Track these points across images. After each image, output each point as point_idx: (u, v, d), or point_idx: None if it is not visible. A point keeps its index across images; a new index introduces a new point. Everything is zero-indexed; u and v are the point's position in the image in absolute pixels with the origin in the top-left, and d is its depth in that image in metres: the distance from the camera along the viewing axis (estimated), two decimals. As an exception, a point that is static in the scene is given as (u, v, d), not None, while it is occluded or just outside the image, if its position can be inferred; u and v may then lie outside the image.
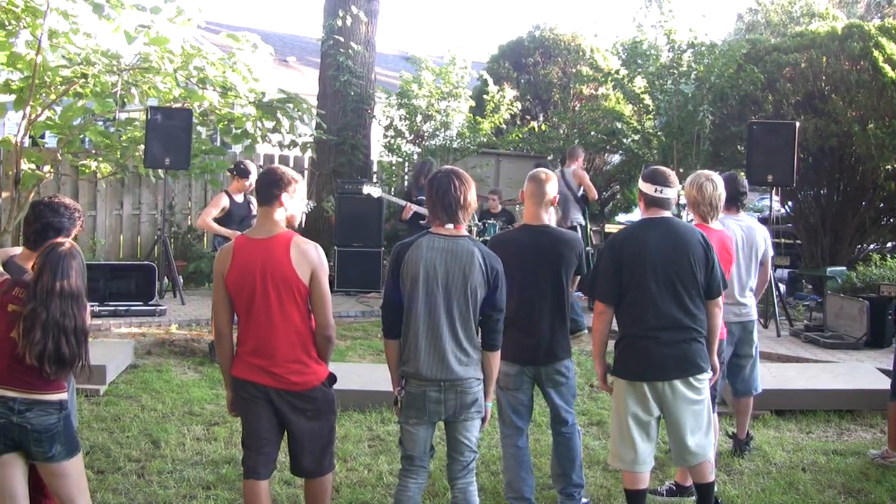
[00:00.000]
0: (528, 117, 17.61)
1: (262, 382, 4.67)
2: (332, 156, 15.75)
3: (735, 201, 6.66)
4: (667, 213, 5.23)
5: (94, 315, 10.43)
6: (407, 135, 16.29)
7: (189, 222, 15.26)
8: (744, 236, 6.56)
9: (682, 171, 13.41)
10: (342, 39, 15.86)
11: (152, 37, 12.35)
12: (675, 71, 13.79)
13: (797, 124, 11.37)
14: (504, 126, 16.27)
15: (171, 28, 12.37)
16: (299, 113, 12.46)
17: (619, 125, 15.28)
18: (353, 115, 16.04)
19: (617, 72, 14.89)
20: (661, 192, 5.21)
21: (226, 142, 14.49)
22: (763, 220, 12.05)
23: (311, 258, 4.65)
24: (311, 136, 13.89)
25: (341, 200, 14.04)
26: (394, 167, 16.73)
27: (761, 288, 6.89)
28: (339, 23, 15.81)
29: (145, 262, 11.54)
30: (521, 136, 16.00)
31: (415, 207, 11.95)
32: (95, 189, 14.53)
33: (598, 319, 5.23)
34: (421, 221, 11.88)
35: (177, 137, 11.71)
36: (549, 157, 14.90)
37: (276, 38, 23.74)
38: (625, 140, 15.10)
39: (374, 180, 16.20)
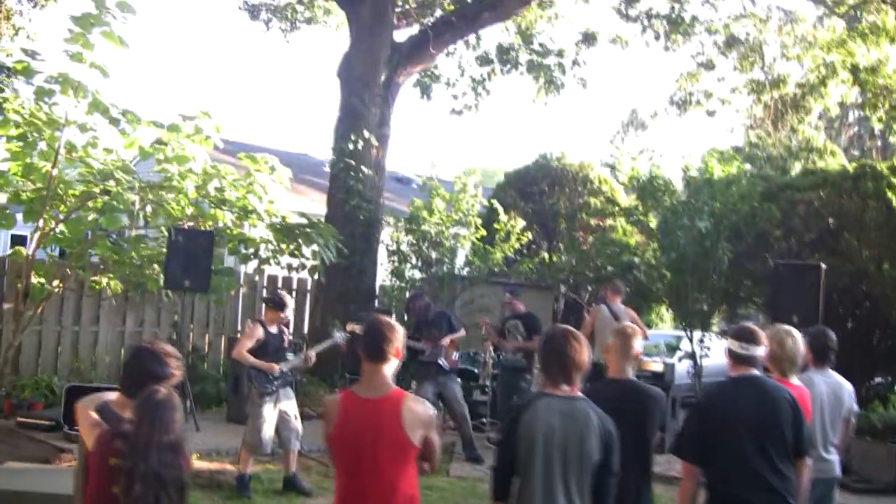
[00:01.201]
0: (534, 246, 17.61)
1: None
2: (340, 280, 15.60)
3: (823, 356, 6.72)
4: (755, 371, 5.24)
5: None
6: (414, 261, 16.20)
7: (191, 341, 14.95)
8: (830, 392, 6.52)
9: (697, 307, 13.39)
10: (353, 163, 15.88)
11: (171, 155, 12.32)
12: (691, 206, 13.82)
13: (823, 266, 11.38)
14: (512, 255, 16.23)
15: (189, 146, 12.36)
16: (322, 239, 12.36)
17: (635, 259, 15.28)
18: (360, 240, 15.97)
19: (636, 207, 14.92)
20: (748, 349, 5.22)
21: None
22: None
23: (423, 420, 4.47)
24: (316, 260, 13.73)
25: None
26: (395, 292, 16.63)
27: (843, 443, 6.80)
28: (351, 146, 15.85)
29: (161, 387, 11.19)
30: (531, 266, 15.97)
31: (409, 343, 11.67)
32: (98, 305, 14.25)
33: (686, 480, 5.16)
34: (420, 357, 11.63)
35: (198, 259, 11.55)
36: (563, 290, 14.80)
37: (278, 154, 23.63)
38: (638, 274, 15.07)
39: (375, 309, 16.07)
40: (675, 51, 19.91)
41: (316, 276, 14.38)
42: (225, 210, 12.48)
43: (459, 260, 15.86)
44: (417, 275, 16.49)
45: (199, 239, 11.68)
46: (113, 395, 4.46)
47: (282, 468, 9.64)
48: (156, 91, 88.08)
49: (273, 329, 9.44)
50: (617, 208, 15.88)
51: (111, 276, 13.15)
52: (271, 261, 13.65)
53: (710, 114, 23.16)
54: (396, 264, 16.26)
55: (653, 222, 14.44)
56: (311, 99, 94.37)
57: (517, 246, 15.75)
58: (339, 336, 10.17)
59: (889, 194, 13.42)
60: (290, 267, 14.39)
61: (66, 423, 10.28)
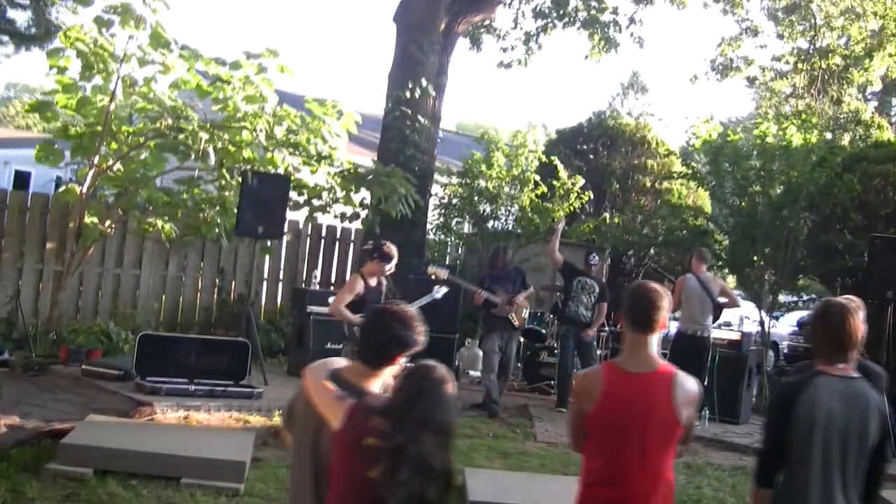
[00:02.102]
0: (590, 206, 17.10)
1: None
2: (391, 231, 15.03)
3: None
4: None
5: (189, 394, 9.63)
6: (467, 216, 15.71)
7: (234, 288, 14.40)
8: None
9: (772, 279, 13.03)
10: (409, 112, 15.30)
11: (233, 94, 11.78)
12: (766, 173, 13.42)
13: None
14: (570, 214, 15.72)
15: (261, 86, 11.83)
16: (402, 189, 11.86)
17: (710, 225, 14.88)
18: (413, 191, 15.42)
19: (708, 172, 14.45)
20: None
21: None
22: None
23: (692, 398, 4.04)
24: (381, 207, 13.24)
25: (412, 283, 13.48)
26: (438, 245, 16.20)
27: None
28: (408, 94, 15.27)
29: (239, 339, 10.69)
30: (590, 227, 15.51)
31: (485, 294, 11.33)
32: (141, 248, 13.67)
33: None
34: (492, 309, 11.40)
35: (272, 205, 11.01)
36: (608, 250, 14.23)
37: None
38: (711, 241, 14.67)
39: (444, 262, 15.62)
40: (733, 14, 19.34)
41: (371, 228, 13.86)
42: (294, 154, 11.95)
43: (515, 217, 15.34)
44: (467, 229, 16.04)
45: (274, 183, 11.14)
46: (341, 363, 3.96)
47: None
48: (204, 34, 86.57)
49: (373, 283, 8.89)
50: (684, 171, 15.31)
51: (165, 219, 12.60)
52: (327, 209, 13.21)
53: (751, 81, 22.79)
54: (445, 218, 15.78)
55: (727, 190, 13.98)
56: (359, 50, 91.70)
57: (577, 205, 15.24)
58: (438, 291, 9.69)
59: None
60: (343, 216, 13.92)
61: (139, 373, 9.77)
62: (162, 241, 13.15)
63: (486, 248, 14.88)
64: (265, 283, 14.78)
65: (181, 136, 11.08)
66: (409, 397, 3.46)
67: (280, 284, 15.04)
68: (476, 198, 15.47)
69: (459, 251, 16.83)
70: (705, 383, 11.64)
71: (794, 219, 12.87)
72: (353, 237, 15.66)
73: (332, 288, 14.35)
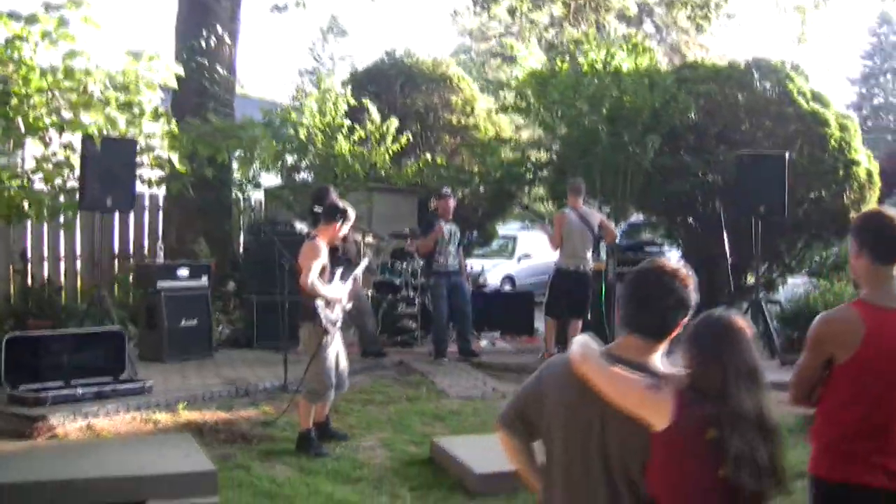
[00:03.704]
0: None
1: (875, 485, 3.50)
2: (198, 192, 13.60)
3: None
4: None
5: (78, 399, 8.22)
6: (275, 168, 14.60)
7: (46, 273, 12.65)
8: None
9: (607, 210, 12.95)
10: (206, 63, 13.90)
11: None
12: (595, 102, 13.23)
13: (787, 155, 11.19)
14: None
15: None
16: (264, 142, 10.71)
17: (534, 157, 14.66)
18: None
19: (530, 101, 14.06)
20: None
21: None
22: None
23: None
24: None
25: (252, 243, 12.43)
26: (244, 202, 15.10)
27: None
28: (203, 44, 13.87)
29: (115, 328, 9.23)
30: (414, 170, 14.76)
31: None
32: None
33: None
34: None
35: (119, 173, 9.59)
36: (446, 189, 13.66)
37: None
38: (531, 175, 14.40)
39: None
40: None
41: (181, 191, 12.45)
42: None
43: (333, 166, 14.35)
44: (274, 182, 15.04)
45: (120, 149, 9.68)
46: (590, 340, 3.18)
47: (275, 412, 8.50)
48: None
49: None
50: (516, 104, 14.85)
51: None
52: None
53: (511, 12, 22.70)
54: (253, 173, 14.62)
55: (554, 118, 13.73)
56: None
57: (396, 149, 14.45)
58: (370, 261, 8.80)
59: (790, 86, 13.46)
60: (150, 182, 12.46)
61: (9, 383, 8.21)
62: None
63: (297, 202, 13.94)
64: (78, 262, 13.07)
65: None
66: (726, 362, 2.88)
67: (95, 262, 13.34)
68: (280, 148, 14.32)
69: (262, 206, 15.69)
70: (588, 318, 11.46)
71: (638, 143, 12.75)
72: (161, 203, 14.15)
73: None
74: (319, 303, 7.35)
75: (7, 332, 8.97)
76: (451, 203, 12.00)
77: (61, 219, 11.59)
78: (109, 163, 9.51)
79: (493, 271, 19.48)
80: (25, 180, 10.50)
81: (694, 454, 2.82)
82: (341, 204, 7.82)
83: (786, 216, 11.34)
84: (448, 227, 11.78)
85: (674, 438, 2.83)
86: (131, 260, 13.53)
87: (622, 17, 24.51)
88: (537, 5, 22.78)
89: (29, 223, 11.69)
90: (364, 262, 8.67)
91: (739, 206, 11.18)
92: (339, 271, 7.72)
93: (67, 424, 7.73)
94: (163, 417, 8.25)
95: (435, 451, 7.36)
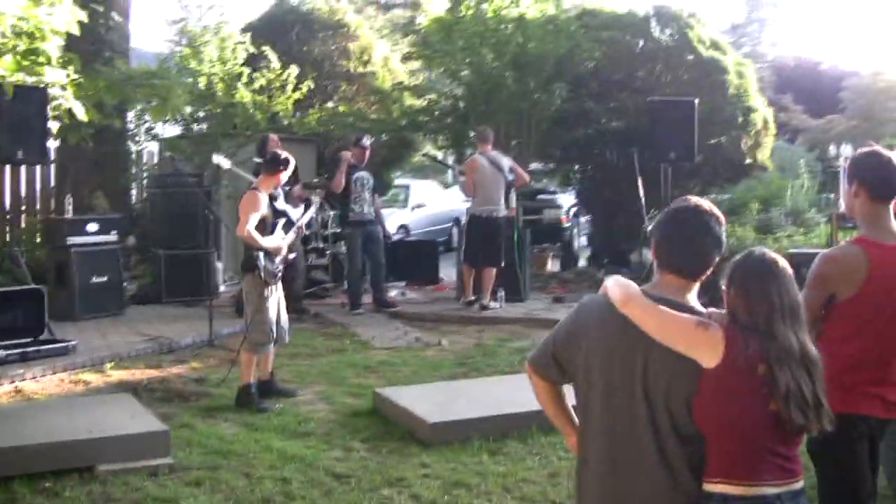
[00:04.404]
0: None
1: (874, 415, 3.70)
2: (99, 144, 13.11)
3: None
4: None
5: (3, 362, 7.92)
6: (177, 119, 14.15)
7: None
8: None
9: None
10: (101, 8, 13.32)
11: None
12: (500, 48, 13.20)
13: (696, 101, 11.39)
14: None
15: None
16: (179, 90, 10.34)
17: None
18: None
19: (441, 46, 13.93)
20: None
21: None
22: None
23: None
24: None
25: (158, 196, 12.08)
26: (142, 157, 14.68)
27: None
28: (97, -11, 13.28)
29: (33, 286, 8.87)
30: (316, 117, 14.49)
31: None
32: None
33: None
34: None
35: (29, 123, 9.18)
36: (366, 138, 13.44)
37: None
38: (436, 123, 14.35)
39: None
40: None
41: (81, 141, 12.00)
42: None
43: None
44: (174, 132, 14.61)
45: (31, 98, 9.24)
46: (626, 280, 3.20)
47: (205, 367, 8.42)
48: None
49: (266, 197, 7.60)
50: (418, 50, 14.70)
51: None
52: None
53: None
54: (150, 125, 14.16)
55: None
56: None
57: (297, 97, 14.16)
58: (316, 200, 8.63)
59: (690, 34, 13.70)
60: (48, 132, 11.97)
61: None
62: None
63: (197, 153, 13.59)
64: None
65: None
66: (772, 300, 2.91)
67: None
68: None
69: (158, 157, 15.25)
70: (502, 265, 11.51)
71: (544, 90, 12.82)
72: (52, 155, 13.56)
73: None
74: (259, 254, 7.20)
75: None
76: (368, 152, 11.85)
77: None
78: (20, 113, 9.10)
79: (388, 220, 19.42)
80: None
81: (745, 390, 2.85)
82: (283, 154, 7.64)
83: (694, 162, 11.55)
84: (362, 174, 11.66)
85: (725, 375, 2.85)
86: (37, 215, 13.01)
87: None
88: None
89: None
90: (308, 213, 8.46)
91: (652, 152, 11.33)
92: (280, 222, 7.57)
93: (-4, 389, 7.46)
94: (92, 378, 8.03)
95: (379, 401, 7.32)
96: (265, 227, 7.35)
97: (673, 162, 11.36)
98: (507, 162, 11.55)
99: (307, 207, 8.58)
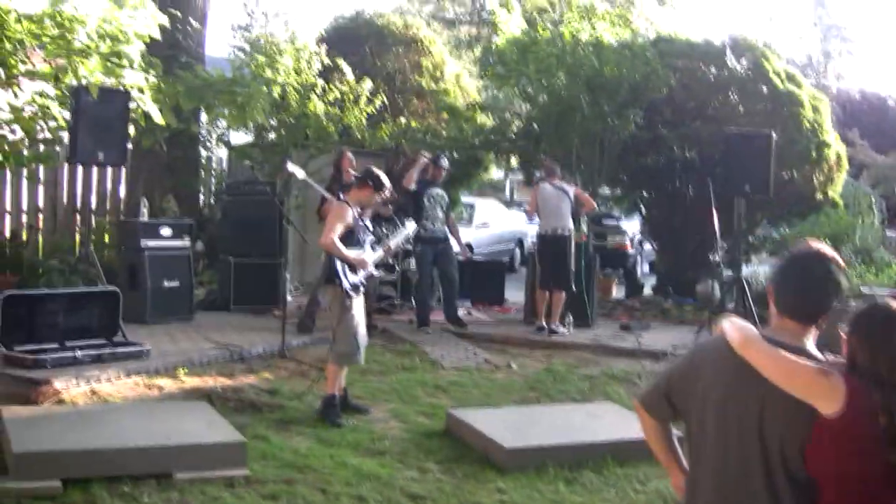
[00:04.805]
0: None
1: None
2: (171, 148, 13.24)
3: None
4: None
5: (77, 362, 7.98)
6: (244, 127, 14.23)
7: (7, 224, 12.23)
8: None
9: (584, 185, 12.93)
10: (179, 14, 13.44)
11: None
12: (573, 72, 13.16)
13: (773, 135, 11.25)
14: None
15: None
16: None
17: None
18: (187, 103, 13.68)
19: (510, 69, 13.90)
20: None
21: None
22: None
23: None
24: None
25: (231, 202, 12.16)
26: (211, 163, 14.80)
27: None
28: (175, -7, 13.43)
29: (110, 288, 8.95)
30: (388, 132, 14.51)
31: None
32: None
33: None
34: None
35: (111, 126, 9.25)
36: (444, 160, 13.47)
37: None
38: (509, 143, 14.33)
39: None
40: None
41: (153, 145, 12.13)
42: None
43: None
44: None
45: (113, 100, 9.32)
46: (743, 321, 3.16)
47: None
48: None
49: (356, 213, 7.62)
50: (496, 71, 14.68)
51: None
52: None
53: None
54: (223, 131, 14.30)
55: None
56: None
57: (370, 111, 14.20)
58: (411, 225, 8.58)
59: (766, 65, 13.58)
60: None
61: (4, 343, 7.93)
62: None
63: (267, 162, 13.70)
64: (41, 217, 12.66)
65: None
66: (891, 347, 2.85)
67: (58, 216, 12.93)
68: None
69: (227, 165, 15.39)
70: (573, 289, 11.45)
71: (618, 115, 12.76)
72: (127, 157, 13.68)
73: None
74: (339, 265, 7.20)
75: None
76: (444, 172, 11.88)
77: (24, 172, 11.32)
78: (103, 115, 9.18)
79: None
80: None
81: (864, 439, 2.79)
82: (376, 171, 7.65)
83: (770, 195, 11.40)
84: (437, 191, 11.66)
85: (844, 424, 2.80)
86: (106, 216, 13.14)
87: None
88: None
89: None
90: (404, 232, 8.43)
91: (725, 183, 11.19)
92: (369, 238, 7.57)
93: (72, 389, 7.50)
94: (165, 383, 8.06)
95: (452, 422, 7.29)
96: (352, 240, 7.35)
97: (747, 194, 11.21)
98: (570, 189, 11.61)
99: (390, 223, 8.59)
